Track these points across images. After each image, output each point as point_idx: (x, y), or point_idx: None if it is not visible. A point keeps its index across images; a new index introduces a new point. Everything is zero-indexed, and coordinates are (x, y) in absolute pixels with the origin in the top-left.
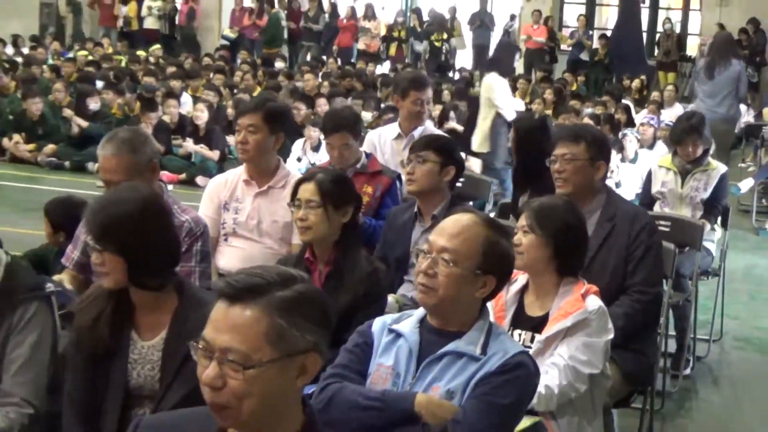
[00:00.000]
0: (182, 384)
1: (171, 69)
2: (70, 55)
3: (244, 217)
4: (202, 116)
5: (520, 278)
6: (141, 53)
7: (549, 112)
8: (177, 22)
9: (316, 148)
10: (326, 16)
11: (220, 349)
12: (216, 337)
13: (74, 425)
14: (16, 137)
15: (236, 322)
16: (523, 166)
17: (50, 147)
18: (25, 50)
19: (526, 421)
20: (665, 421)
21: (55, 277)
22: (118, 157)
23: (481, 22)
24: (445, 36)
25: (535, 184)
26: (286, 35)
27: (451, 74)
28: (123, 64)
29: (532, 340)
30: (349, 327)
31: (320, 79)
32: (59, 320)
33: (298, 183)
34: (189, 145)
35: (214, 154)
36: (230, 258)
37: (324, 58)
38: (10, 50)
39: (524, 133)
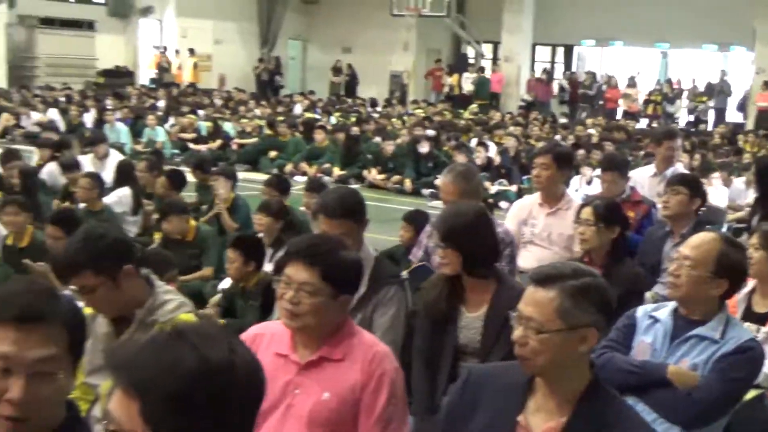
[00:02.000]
0: (502, 346)
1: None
2: (410, 111)
3: (538, 230)
4: (496, 159)
5: (749, 283)
6: (462, 112)
7: None
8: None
9: (589, 182)
10: (598, 84)
11: (525, 317)
12: (524, 308)
13: (421, 371)
14: (373, 170)
15: (538, 300)
16: (762, 194)
17: (396, 177)
18: (378, 108)
19: (752, 393)
20: None
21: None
22: (455, 184)
23: (721, 89)
24: (704, 98)
25: None
26: (567, 98)
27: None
28: (448, 118)
29: (757, 331)
30: (617, 314)
31: (591, 131)
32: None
33: (582, 207)
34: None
35: (513, 187)
36: (528, 260)
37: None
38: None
39: (763, 168)
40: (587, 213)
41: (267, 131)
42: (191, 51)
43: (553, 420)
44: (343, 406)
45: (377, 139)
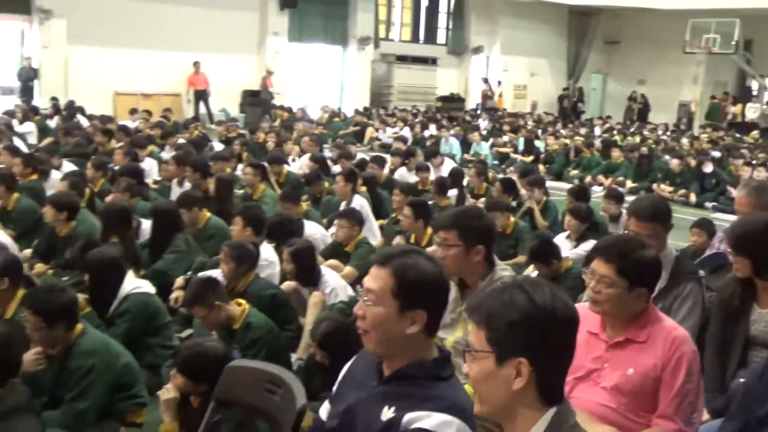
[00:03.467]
0: None
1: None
2: (696, 134)
3: None
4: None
5: None
6: (744, 137)
7: None
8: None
9: None
10: None
11: None
12: None
13: (713, 355)
14: (662, 184)
15: None
16: None
17: (682, 191)
18: (668, 132)
19: None
20: None
21: None
22: (749, 197)
23: None
24: None
25: None
26: None
27: None
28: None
29: None
30: None
31: None
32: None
33: None
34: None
35: None
36: None
37: None
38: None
39: None
40: None
41: (553, 146)
42: (492, 81)
43: None
44: (645, 381)
45: (666, 157)
